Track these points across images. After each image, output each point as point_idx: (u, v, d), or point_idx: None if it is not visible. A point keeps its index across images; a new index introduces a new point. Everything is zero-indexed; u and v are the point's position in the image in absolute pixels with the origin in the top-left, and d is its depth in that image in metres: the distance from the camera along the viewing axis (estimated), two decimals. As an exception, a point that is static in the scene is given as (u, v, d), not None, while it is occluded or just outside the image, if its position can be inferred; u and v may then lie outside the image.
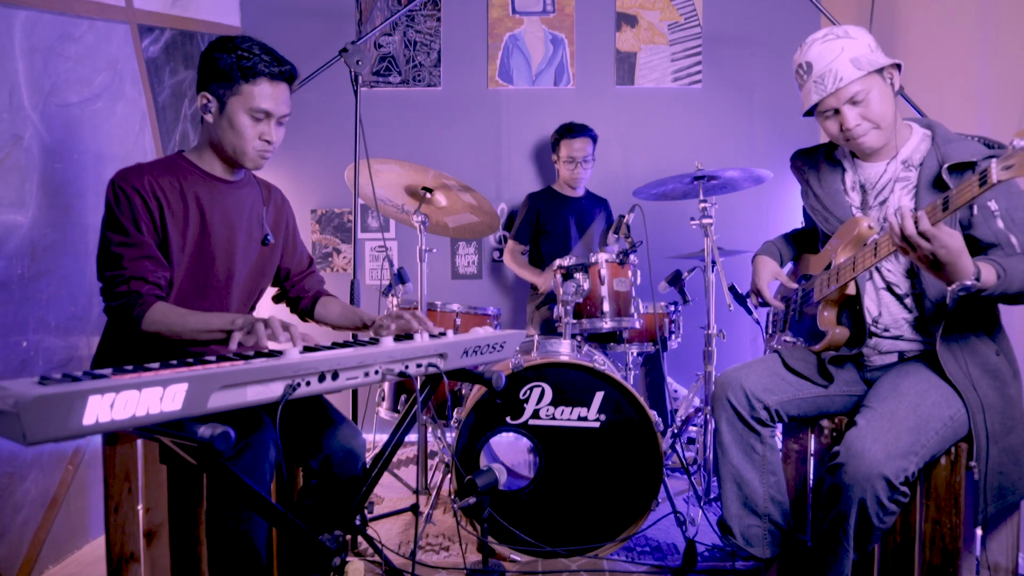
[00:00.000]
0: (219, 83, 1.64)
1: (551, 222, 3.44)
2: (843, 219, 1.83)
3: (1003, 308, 1.73)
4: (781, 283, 2.03)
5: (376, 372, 1.34)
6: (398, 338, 1.49)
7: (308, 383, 1.22)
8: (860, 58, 1.68)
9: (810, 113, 1.82)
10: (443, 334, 1.58)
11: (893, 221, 1.48)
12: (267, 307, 2.03)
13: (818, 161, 1.94)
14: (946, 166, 1.65)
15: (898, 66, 1.72)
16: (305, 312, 2.04)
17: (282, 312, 2.05)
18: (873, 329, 1.80)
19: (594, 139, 3.42)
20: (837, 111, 1.72)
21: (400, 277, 2.68)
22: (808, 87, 1.74)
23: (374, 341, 1.47)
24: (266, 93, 1.65)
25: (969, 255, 1.47)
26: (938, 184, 1.67)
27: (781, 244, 2.11)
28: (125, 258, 1.59)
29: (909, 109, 2.56)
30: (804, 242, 2.12)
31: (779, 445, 1.91)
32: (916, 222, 1.43)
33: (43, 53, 2.21)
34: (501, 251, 3.83)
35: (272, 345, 1.40)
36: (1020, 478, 1.62)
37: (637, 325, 2.72)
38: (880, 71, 1.70)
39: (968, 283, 1.47)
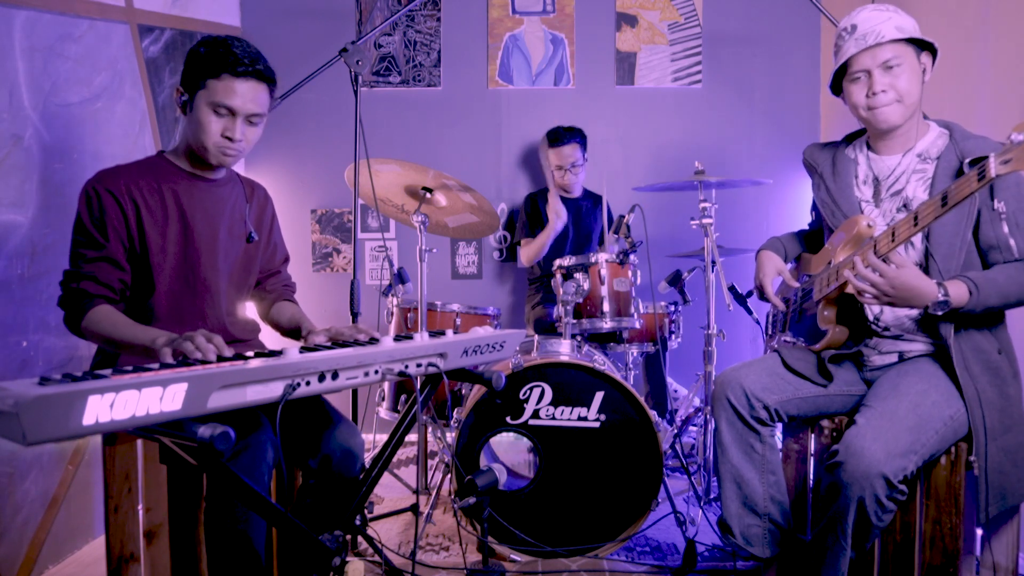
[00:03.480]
0: (190, 78, 1.67)
1: (545, 224, 3.43)
2: (849, 214, 1.83)
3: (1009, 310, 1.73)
4: (784, 279, 2.03)
5: (376, 372, 1.34)
6: (398, 338, 1.49)
7: (308, 383, 1.22)
8: (905, 26, 1.72)
9: (838, 89, 1.83)
10: (375, 341, 1.50)
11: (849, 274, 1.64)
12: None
13: (834, 153, 1.95)
14: (967, 160, 1.65)
15: (933, 58, 1.75)
16: (262, 314, 2.01)
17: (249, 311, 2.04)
18: (874, 328, 1.81)
19: (581, 142, 3.34)
20: (869, 74, 1.73)
21: (400, 277, 2.68)
22: (847, 44, 1.75)
23: (374, 341, 1.47)
24: (231, 89, 1.64)
25: (927, 279, 1.57)
26: (959, 176, 1.67)
27: (787, 240, 2.11)
28: (84, 258, 1.62)
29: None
30: (810, 243, 2.12)
31: (779, 445, 1.91)
32: (854, 265, 1.59)
33: (43, 53, 2.21)
34: (501, 251, 3.82)
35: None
36: (1019, 480, 1.62)
37: (637, 325, 2.72)
38: (918, 52, 1.73)
39: (940, 299, 1.56)
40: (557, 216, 3.13)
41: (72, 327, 1.62)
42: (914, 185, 1.77)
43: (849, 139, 1.96)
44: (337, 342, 1.55)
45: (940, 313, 1.58)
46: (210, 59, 1.63)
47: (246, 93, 1.66)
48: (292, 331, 1.89)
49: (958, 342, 1.66)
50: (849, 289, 1.77)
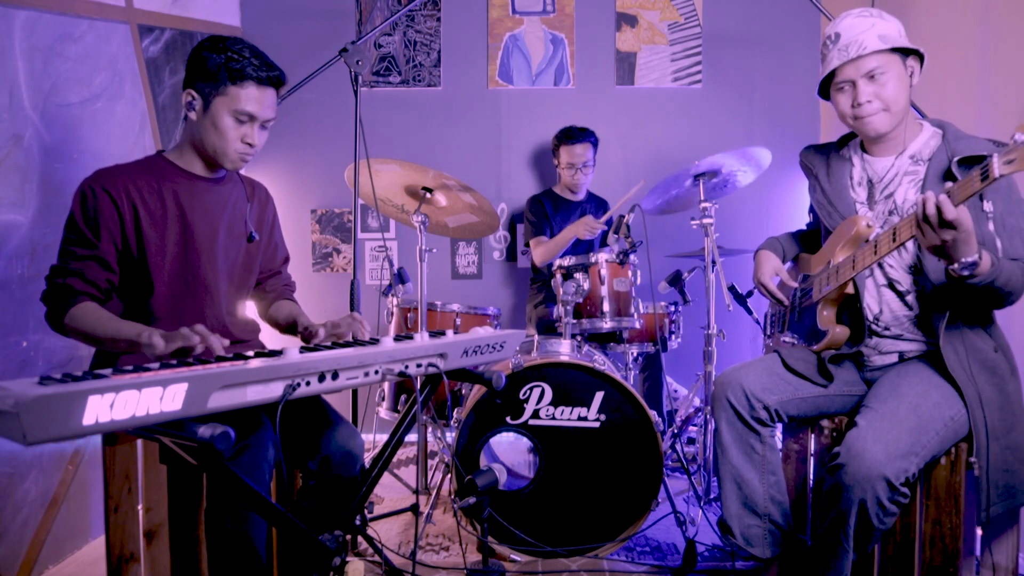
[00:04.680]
0: (206, 82, 1.64)
1: (553, 225, 3.43)
2: (846, 215, 1.83)
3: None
4: (782, 280, 2.03)
5: (376, 372, 1.34)
6: (398, 338, 1.49)
7: (308, 383, 1.22)
8: (888, 35, 1.70)
9: (825, 94, 1.83)
10: (375, 341, 1.50)
11: (921, 202, 1.45)
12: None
13: (828, 155, 1.95)
14: (956, 159, 1.65)
15: (920, 60, 1.74)
16: (261, 313, 2.02)
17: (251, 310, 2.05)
18: (874, 327, 1.80)
19: (594, 143, 3.37)
20: (853, 84, 1.72)
21: (400, 277, 2.68)
22: (831, 55, 1.75)
23: (374, 341, 1.47)
24: (252, 96, 1.65)
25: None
26: (948, 177, 1.67)
27: (785, 241, 2.11)
28: (73, 256, 1.61)
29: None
30: (808, 243, 2.12)
31: (779, 445, 1.91)
32: (940, 210, 1.41)
33: (43, 53, 2.21)
34: (501, 251, 3.82)
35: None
36: None
37: (637, 325, 2.72)
38: (903, 58, 1.72)
39: (972, 259, 1.46)
40: (587, 228, 3.05)
41: (53, 323, 1.61)
42: (905, 188, 1.77)
43: (843, 141, 1.96)
44: (337, 342, 1.55)
45: (965, 274, 1.49)
46: (231, 65, 1.62)
47: (265, 100, 1.68)
48: (289, 327, 1.89)
49: (953, 342, 1.65)
50: (849, 289, 1.77)
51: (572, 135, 3.32)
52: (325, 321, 1.73)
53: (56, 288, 1.60)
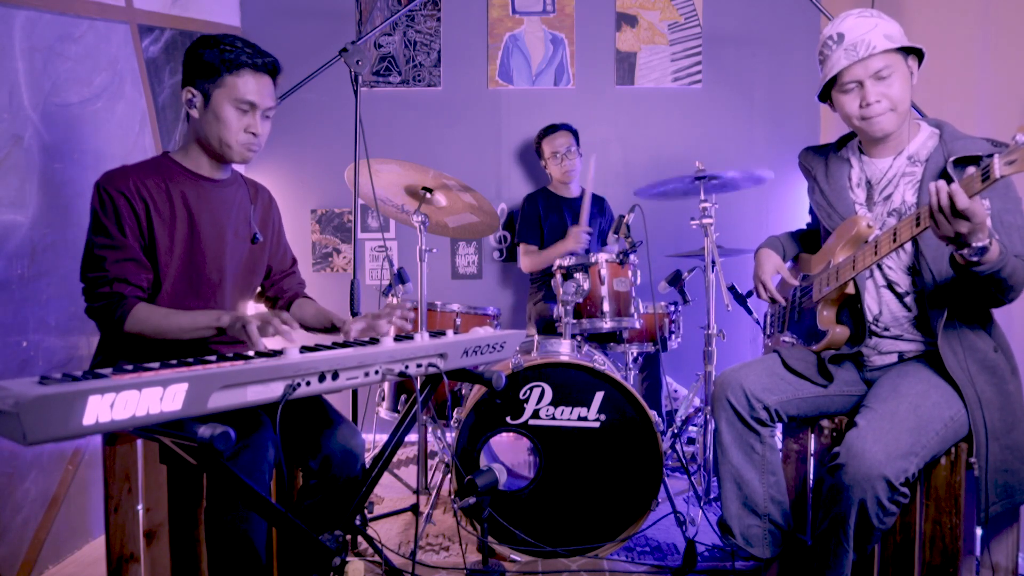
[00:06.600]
0: (203, 77, 1.66)
1: (550, 222, 3.44)
2: (845, 215, 1.83)
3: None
4: (783, 278, 2.03)
5: (376, 372, 1.34)
6: (398, 338, 1.49)
7: (308, 383, 1.22)
8: (892, 35, 1.70)
9: (825, 96, 1.82)
10: (375, 341, 1.50)
11: (934, 191, 1.43)
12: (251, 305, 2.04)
13: (827, 156, 1.95)
14: (951, 159, 1.65)
15: (919, 60, 1.74)
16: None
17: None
18: (873, 328, 1.80)
19: (574, 133, 3.44)
20: (861, 85, 1.72)
21: (400, 277, 2.68)
22: (837, 55, 1.73)
23: (374, 341, 1.47)
24: (250, 84, 1.67)
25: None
26: (944, 178, 1.67)
27: (785, 240, 2.11)
28: (108, 260, 1.60)
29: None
30: (808, 243, 2.12)
31: (779, 445, 1.91)
32: (953, 200, 1.39)
33: (43, 53, 2.21)
34: (501, 251, 3.83)
35: (269, 342, 1.39)
36: None
37: (637, 325, 2.72)
38: (905, 57, 1.72)
39: (983, 243, 1.44)
40: (577, 242, 3.17)
41: (112, 330, 1.60)
42: (903, 189, 1.77)
43: (842, 142, 1.95)
44: (337, 342, 1.56)
45: (974, 260, 1.47)
46: (225, 56, 1.64)
47: (263, 88, 1.70)
48: (322, 326, 1.91)
49: (951, 343, 1.65)
50: (849, 289, 1.77)
51: (549, 128, 3.44)
52: (366, 313, 1.79)
53: (105, 298, 1.59)
